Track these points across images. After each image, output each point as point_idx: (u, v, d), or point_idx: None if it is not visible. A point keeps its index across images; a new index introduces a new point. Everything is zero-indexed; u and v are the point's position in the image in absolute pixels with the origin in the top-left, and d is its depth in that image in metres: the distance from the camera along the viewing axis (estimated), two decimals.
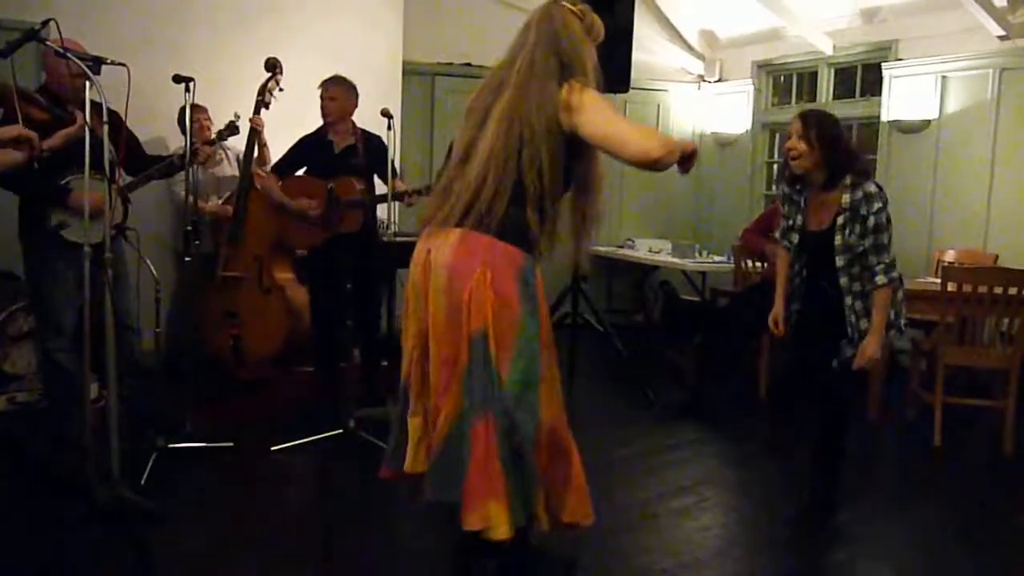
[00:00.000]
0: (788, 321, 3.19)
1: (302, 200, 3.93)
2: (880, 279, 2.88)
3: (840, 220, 2.89)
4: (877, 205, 2.87)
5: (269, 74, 4.02)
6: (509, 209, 1.99)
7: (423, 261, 2.08)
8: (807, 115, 2.96)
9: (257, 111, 4.02)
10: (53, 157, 3.05)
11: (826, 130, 2.89)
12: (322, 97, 3.98)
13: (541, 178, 1.98)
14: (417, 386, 2.13)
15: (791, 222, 3.12)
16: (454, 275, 2.00)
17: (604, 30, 2.15)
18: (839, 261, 2.93)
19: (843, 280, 2.94)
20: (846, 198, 2.87)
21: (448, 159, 2.19)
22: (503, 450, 1.98)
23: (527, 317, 2.02)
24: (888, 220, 2.89)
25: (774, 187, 3.29)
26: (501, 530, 1.96)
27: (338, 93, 3.96)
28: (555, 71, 2.00)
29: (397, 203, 3.99)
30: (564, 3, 2.09)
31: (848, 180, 2.88)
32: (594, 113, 1.95)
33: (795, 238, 3.10)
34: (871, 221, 2.86)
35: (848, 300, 2.95)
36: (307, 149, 4.02)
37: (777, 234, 3.25)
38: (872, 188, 2.88)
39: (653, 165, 1.91)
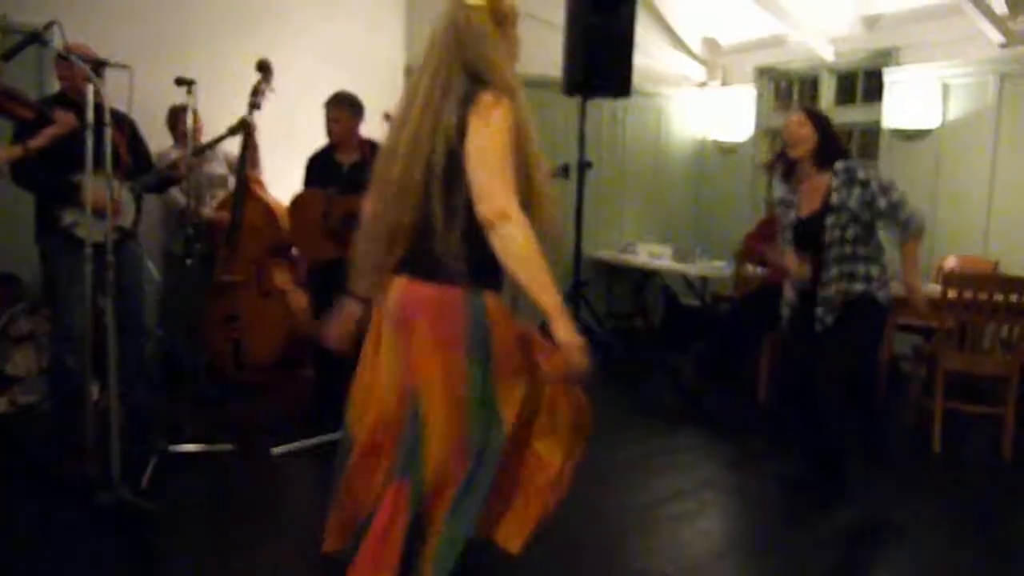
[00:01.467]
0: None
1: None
2: (904, 235, 3.14)
3: (834, 195, 3.08)
4: (872, 171, 3.10)
5: (260, 76, 4.02)
6: (439, 245, 1.80)
7: (380, 311, 1.96)
8: (806, 107, 3.28)
9: (250, 113, 4.02)
10: (64, 154, 3.07)
11: (822, 118, 3.18)
12: (327, 117, 3.95)
13: (465, 203, 1.78)
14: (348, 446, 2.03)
15: (787, 221, 3.27)
16: (398, 328, 1.88)
17: (516, 11, 1.91)
18: (831, 229, 3.09)
19: (834, 253, 3.11)
20: (839, 165, 3.09)
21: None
22: (410, 517, 1.85)
23: (476, 366, 1.85)
24: (892, 181, 3.10)
25: (772, 191, 3.41)
26: None
27: (342, 116, 3.93)
28: (459, 87, 1.80)
29: None
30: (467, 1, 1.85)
31: (838, 165, 3.11)
32: (474, 151, 1.76)
33: (789, 235, 3.25)
34: (874, 185, 3.05)
35: (833, 271, 3.12)
36: (316, 170, 4.01)
37: (782, 241, 3.37)
38: (859, 164, 3.13)
39: (487, 225, 1.73)
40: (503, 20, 1.88)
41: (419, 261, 1.86)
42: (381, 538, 1.84)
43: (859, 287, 3.12)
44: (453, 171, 1.78)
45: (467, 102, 1.78)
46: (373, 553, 1.84)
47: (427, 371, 1.84)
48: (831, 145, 3.14)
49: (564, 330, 1.76)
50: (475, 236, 1.78)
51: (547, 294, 1.73)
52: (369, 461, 1.95)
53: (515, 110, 1.79)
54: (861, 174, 3.06)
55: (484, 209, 1.73)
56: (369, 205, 1.98)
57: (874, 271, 3.15)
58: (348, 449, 2.03)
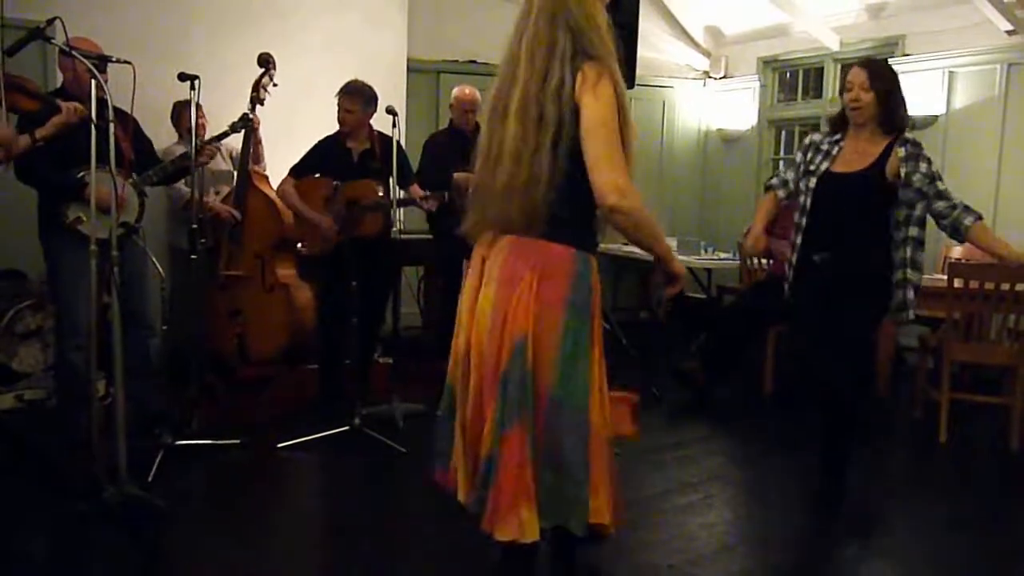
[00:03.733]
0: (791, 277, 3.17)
1: (319, 216, 3.92)
2: (970, 218, 2.95)
3: (903, 165, 2.91)
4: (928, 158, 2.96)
5: (263, 70, 4.01)
6: (551, 205, 1.87)
7: (479, 270, 2.02)
8: (871, 67, 2.99)
9: (252, 108, 4.01)
10: (68, 150, 3.07)
11: (888, 82, 2.96)
12: (339, 106, 3.94)
13: (574, 165, 1.85)
14: (459, 402, 2.06)
15: (812, 167, 3.06)
16: (502, 284, 1.93)
17: None
18: (902, 208, 2.93)
19: (900, 221, 2.95)
20: (901, 151, 2.91)
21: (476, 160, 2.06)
22: (534, 456, 1.92)
23: (573, 322, 1.93)
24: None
25: (808, 138, 3.16)
26: (531, 533, 1.90)
27: (355, 107, 3.92)
28: (566, 46, 1.86)
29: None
30: None
31: (904, 151, 2.92)
32: (586, 122, 1.82)
33: (813, 182, 3.03)
34: (932, 168, 2.94)
35: (904, 251, 2.96)
36: (325, 155, 4.00)
37: (775, 180, 3.25)
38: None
39: (607, 209, 1.81)
40: None
41: (526, 220, 1.90)
42: (514, 477, 1.89)
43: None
44: (564, 135, 1.84)
45: (574, 67, 1.85)
46: (511, 488, 1.89)
47: (533, 325, 1.89)
48: (895, 112, 2.95)
49: (677, 264, 2.10)
50: (582, 199, 1.86)
51: (660, 243, 2.00)
52: (481, 413, 1.98)
53: (616, 76, 1.86)
54: (925, 151, 2.95)
55: (599, 183, 1.81)
56: (477, 173, 2.04)
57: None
58: (452, 406, 2.08)
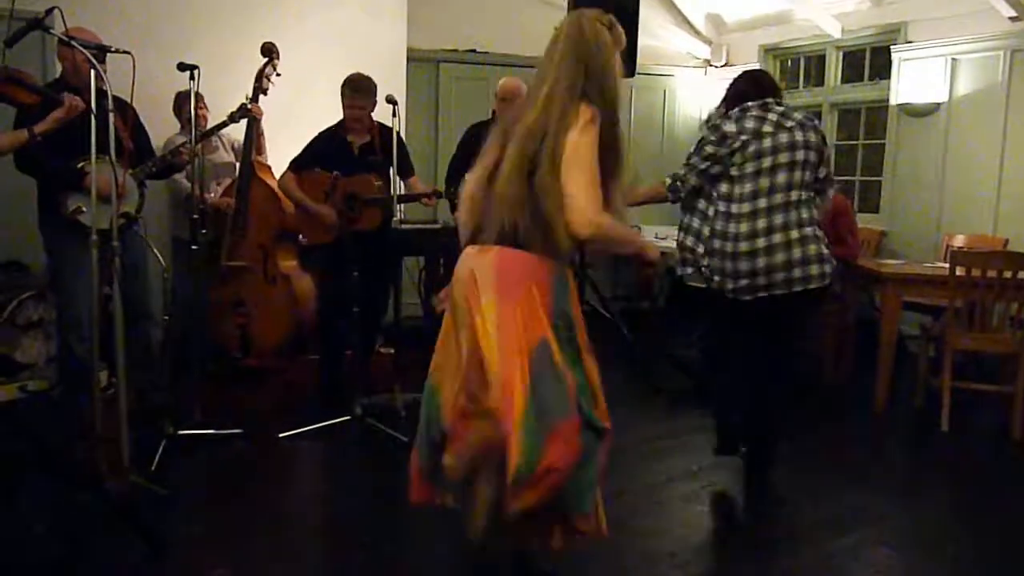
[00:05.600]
0: None
1: (321, 207, 3.92)
2: None
3: None
4: None
5: (266, 59, 3.99)
6: (539, 220, 2.00)
7: (466, 279, 2.08)
8: None
9: (255, 98, 3.99)
10: (67, 140, 3.07)
11: None
12: (351, 105, 3.90)
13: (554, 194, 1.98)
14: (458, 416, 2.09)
15: None
16: (501, 294, 2.02)
17: (625, 41, 2.15)
18: None
19: None
20: None
21: (471, 162, 2.19)
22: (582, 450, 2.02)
23: (563, 331, 2.08)
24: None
25: None
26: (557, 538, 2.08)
27: (367, 104, 3.91)
28: (579, 85, 2.02)
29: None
30: (591, 13, 2.10)
31: None
32: (568, 156, 1.96)
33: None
34: None
35: None
36: (326, 148, 3.99)
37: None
38: None
39: (580, 236, 1.97)
40: (618, 41, 2.12)
41: (516, 233, 2.02)
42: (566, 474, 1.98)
43: None
44: (554, 161, 1.99)
45: (583, 95, 2.01)
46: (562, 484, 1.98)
47: (545, 325, 2.02)
48: None
49: (650, 250, 2.27)
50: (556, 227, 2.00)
51: (631, 244, 2.24)
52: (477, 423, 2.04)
53: (614, 119, 2.06)
54: None
55: (575, 220, 1.96)
56: (474, 180, 2.15)
57: None
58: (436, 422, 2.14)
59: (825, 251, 2.98)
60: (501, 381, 1.97)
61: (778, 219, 2.93)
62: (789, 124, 2.98)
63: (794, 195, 2.96)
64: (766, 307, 2.98)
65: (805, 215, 2.97)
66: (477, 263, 2.07)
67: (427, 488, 2.21)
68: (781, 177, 2.94)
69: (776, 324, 3.06)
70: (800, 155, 2.96)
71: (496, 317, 2.00)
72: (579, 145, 1.96)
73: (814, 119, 3.09)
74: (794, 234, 2.93)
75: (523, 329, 1.99)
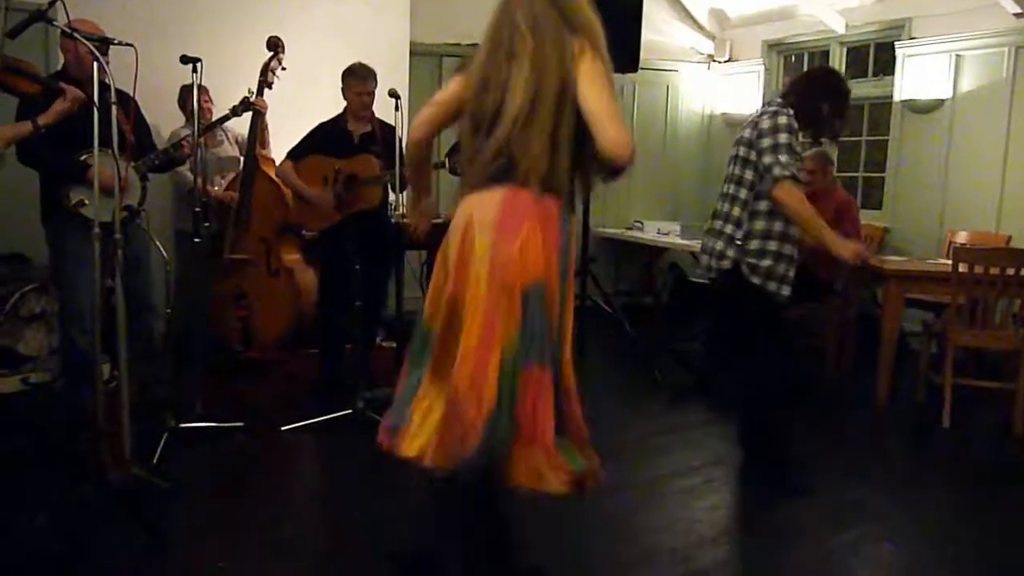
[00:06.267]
0: None
1: (317, 192, 3.93)
2: None
3: None
4: None
5: (271, 53, 3.99)
6: (544, 164, 1.99)
7: (464, 225, 2.06)
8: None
9: (260, 92, 3.99)
10: (69, 133, 3.07)
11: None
12: (360, 92, 3.93)
13: (571, 128, 1.98)
14: (434, 364, 2.10)
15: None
16: (501, 232, 2.00)
17: None
18: None
19: None
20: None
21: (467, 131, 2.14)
22: (556, 399, 2.00)
23: (565, 272, 2.07)
24: None
25: (794, 124, 2.99)
26: (557, 483, 1.98)
27: (371, 88, 3.96)
28: (561, 24, 2.00)
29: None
30: None
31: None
32: (591, 84, 1.96)
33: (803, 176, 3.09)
34: None
35: None
36: (325, 138, 4.00)
37: (795, 171, 2.92)
38: None
39: (617, 162, 1.92)
40: None
41: (520, 175, 2.00)
42: (536, 421, 1.97)
43: None
44: (561, 105, 1.96)
45: (568, 45, 1.98)
46: (534, 433, 1.97)
47: (543, 267, 1.99)
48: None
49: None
50: (572, 157, 2.00)
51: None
52: (478, 359, 2.01)
53: (605, 54, 2.02)
54: None
55: (612, 136, 1.90)
56: (466, 142, 2.13)
57: None
58: (422, 352, 2.14)
59: (728, 252, 3.06)
60: (472, 362, 1.97)
61: (718, 206, 3.17)
62: (752, 120, 3.08)
63: (729, 188, 3.13)
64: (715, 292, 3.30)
65: (727, 209, 3.10)
66: (476, 205, 2.05)
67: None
68: (727, 169, 3.15)
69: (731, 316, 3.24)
70: (737, 151, 3.09)
71: (489, 261, 1.99)
72: (594, 70, 1.96)
73: (767, 113, 2.99)
74: (717, 224, 3.15)
75: (522, 268, 1.97)
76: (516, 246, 1.97)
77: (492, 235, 2.00)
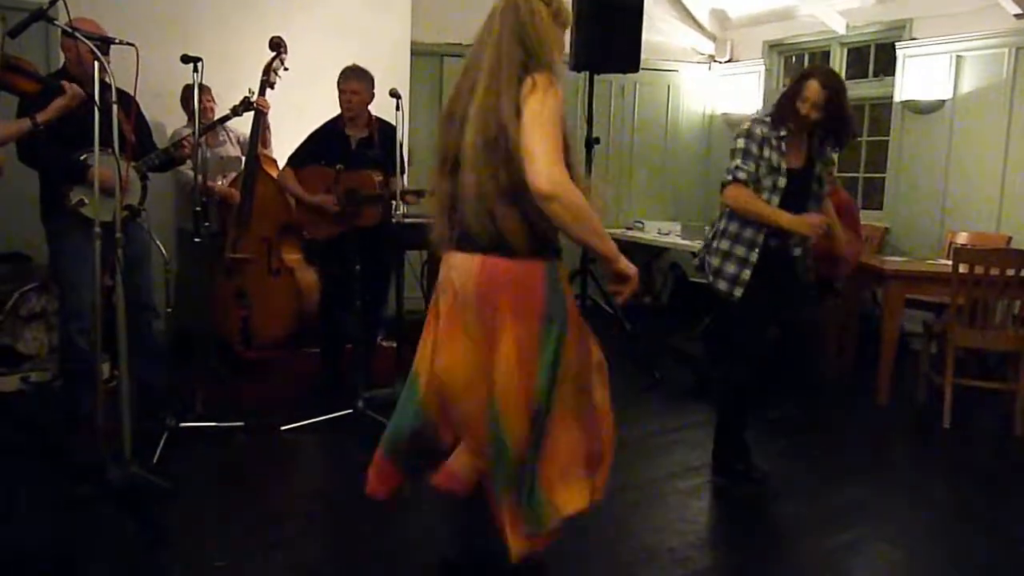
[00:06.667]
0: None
1: (320, 196, 3.93)
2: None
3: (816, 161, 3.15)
4: None
5: (274, 54, 4.00)
6: (514, 214, 1.90)
7: (450, 288, 2.02)
8: (832, 84, 3.04)
9: (262, 92, 3.99)
10: (69, 133, 3.07)
11: (842, 97, 3.05)
12: (343, 91, 3.93)
13: (520, 181, 1.86)
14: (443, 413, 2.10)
15: (774, 164, 3.06)
16: (480, 308, 1.96)
17: (570, 15, 2.06)
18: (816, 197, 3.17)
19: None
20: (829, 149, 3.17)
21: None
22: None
23: (553, 331, 1.97)
24: None
25: (759, 129, 3.09)
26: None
27: (360, 88, 3.92)
28: (520, 63, 1.90)
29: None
30: None
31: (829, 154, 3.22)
32: (528, 118, 1.85)
33: (782, 181, 3.04)
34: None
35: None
36: (323, 142, 4.00)
37: (742, 174, 3.05)
38: None
39: (541, 197, 1.81)
40: (556, 15, 2.00)
41: (488, 235, 1.93)
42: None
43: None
44: (511, 148, 1.87)
45: (522, 81, 1.88)
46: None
47: (504, 345, 1.93)
48: (842, 124, 3.09)
49: (625, 264, 2.04)
50: (534, 210, 1.88)
51: (604, 241, 1.97)
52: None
53: (559, 94, 1.90)
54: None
55: (533, 173, 1.82)
56: (435, 180, 2.07)
57: None
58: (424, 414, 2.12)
59: (708, 259, 3.18)
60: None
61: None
62: None
63: None
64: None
65: (719, 220, 3.21)
66: (456, 271, 2.00)
67: (389, 474, 2.23)
68: None
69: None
70: None
71: (478, 326, 1.96)
72: (541, 109, 1.84)
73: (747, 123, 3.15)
74: (708, 232, 3.30)
75: (488, 342, 1.95)
76: (492, 326, 1.94)
77: (473, 311, 1.96)
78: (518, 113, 1.86)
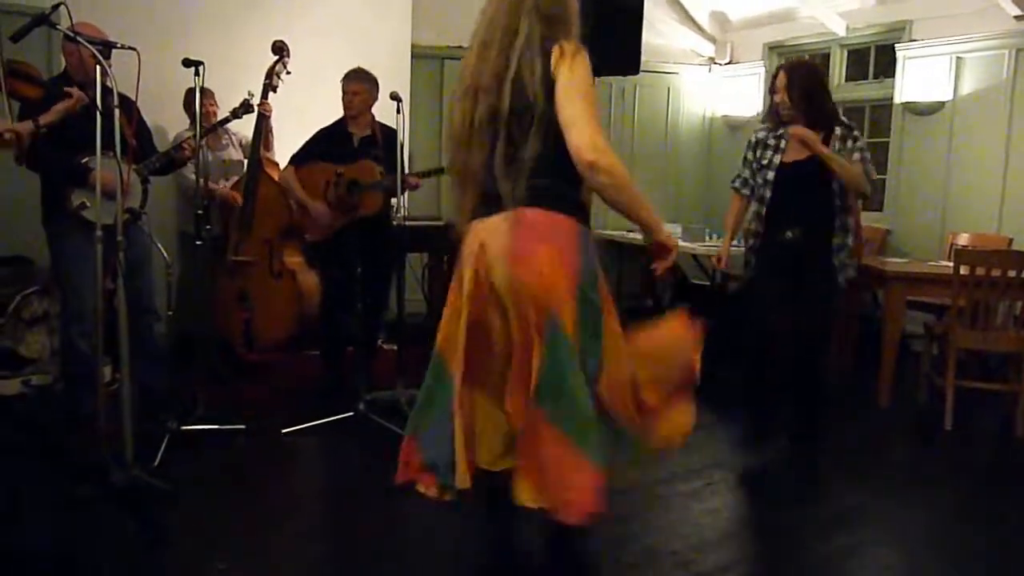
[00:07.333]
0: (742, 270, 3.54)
1: (315, 203, 3.95)
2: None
3: (841, 149, 3.29)
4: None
5: (276, 57, 4.01)
6: (546, 179, 1.89)
7: (476, 253, 1.96)
8: (791, 72, 3.28)
9: (265, 95, 4.01)
10: (71, 136, 3.07)
11: (806, 84, 3.25)
12: (345, 91, 3.96)
13: (557, 143, 1.86)
14: (467, 375, 2.00)
15: (765, 162, 3.37)
16: (516, 260, 1.88)
17: None
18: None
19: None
20: (837, 145, 3.27)
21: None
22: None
23: (588, 293, 1.93)
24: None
25: (756, 135, 3.47)
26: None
27: (361, 89, 3.95)
28: (539, 28, 1.90)
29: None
30: None
31: (839, 132, 3.28)
32: (563, 86, 1.83)
33: (771, 175, 3.34)
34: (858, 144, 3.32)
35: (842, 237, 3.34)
36: (326, 142, 4.02)
37: (737, 182, 3.55)
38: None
39: (586, 166, 1.80)
40: None
41: (522, 196, 1.89)
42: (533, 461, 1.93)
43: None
44: (543, 114, 1.85)
45: (548, 48, 1.87)
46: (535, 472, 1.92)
47: (560, 295, 1.86)
48: (816, 115, 3.25)
49: (668, 234, 2.04)
50: (568, 175, 1.86)
51: (647, 210, 1.96)
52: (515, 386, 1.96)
53: (588, 62, 1.88)
54: (856, 131, 3.34)
55: (577, 141, 1.79)
56: (452, 155, 2.05)
57: None
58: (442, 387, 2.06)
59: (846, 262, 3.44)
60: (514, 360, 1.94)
61: None
62: None
63: None
64: None
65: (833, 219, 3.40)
66: (485, 234, 1.94)
67: (425, 477, 2.11)
68: None
69: None
70: None
71: (510, 289, 1.88)
72: (573, 76, 1.82)
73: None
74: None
75: (545, 300, 1.85)
76: (534, 276, 1.86)
77: (508, 267, 1.89)
78: (549, 81, 1.85)
